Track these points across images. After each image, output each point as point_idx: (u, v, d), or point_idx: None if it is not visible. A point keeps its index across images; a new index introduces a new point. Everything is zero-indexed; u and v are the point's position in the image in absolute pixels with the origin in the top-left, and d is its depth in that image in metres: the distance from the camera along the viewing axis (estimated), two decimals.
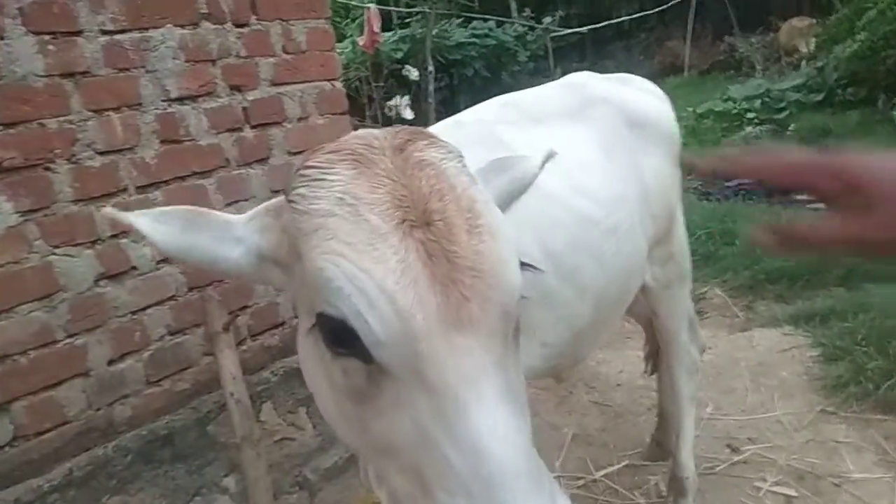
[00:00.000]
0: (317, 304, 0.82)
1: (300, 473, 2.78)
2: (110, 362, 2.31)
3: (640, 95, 2.18)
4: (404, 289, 0.77)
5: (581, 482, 2.73)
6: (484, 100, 2.03)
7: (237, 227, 0.97)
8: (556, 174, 1.77)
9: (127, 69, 2.31)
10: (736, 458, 2.74)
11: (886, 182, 0.71)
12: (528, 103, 1.99)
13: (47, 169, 2.13)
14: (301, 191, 0.86)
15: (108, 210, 1.00)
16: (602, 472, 2.76)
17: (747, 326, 3.83)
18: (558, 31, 14.67)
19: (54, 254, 2.15)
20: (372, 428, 0.83)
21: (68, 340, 2.20)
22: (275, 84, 2.72)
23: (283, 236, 0.91)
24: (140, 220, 0.95)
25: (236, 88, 2.61)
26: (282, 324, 2.83)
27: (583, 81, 2.16)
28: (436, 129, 1.82)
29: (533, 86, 2.23)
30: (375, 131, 0.92)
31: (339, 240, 0.79)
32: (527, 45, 13.76)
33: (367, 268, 0.77)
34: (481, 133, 1.78)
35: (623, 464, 2.81)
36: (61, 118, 2.16)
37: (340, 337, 0.80)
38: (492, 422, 0.74)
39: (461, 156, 0.94)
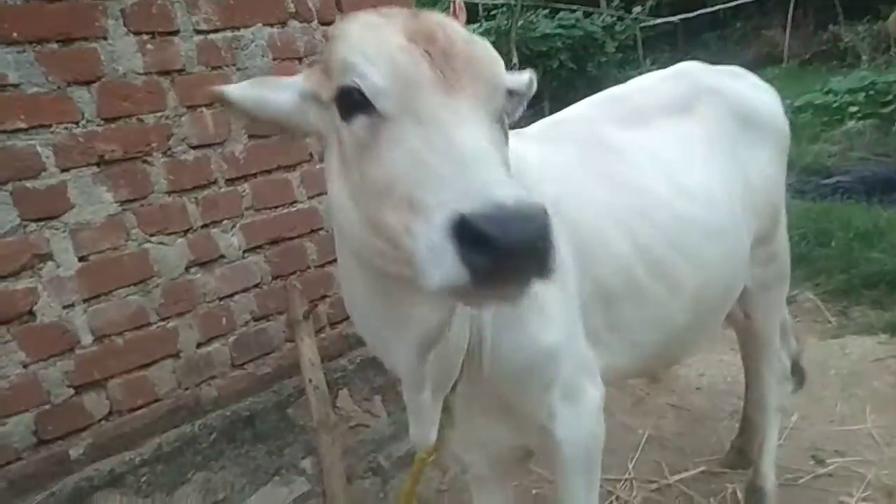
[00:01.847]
0: (337, 85, 1.05)
1: (374, 459, 2.85)
2: (199, 345, 2.44)
3: (752, 91, 2.10)
4: (403, 55, 0.99)
5: (654, 486, 2.68)
6: (569, 91, 2.02)
7: (290, 81, 1.19)
8: (659, 174, 1.75)
9: (219, 67, 2.42)
10: (821, 471, 2.61)
11: None
12: (632, 98, 1.94)
13: (145, 162, 2.27)
14: (337, 28, 1.09)
15: (212, 88, 1.20)
16: (677, 477, 2.70)
17: (840, 333, 3.64)
18: (648, 20, 14.29)
19: (149, 241, 2.29)
20: (370, 175, 1.00)
21: (161, 323, 2.33)
22: None
23: (322, 74, 1.11)
24: (228, 87, 1.18)
25: None
26: None
27: (692, 71, 2.10)
28: (535, 128, 1.82)
29: (620, 77, 2.20)
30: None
31: (358, 41, 1.03)
32: (615, 35, 13.46)
33: (372, 44, 1.01)
34: (582, 132, 1.77)
35: (699, 469, 2.74)
36: (158, 114, 2.29)
37: (352, 104, 1.02)
38: (469, 135, 0.92)
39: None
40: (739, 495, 2.53)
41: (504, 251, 0.77)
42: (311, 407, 2.46)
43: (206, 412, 2.46)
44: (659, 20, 14.24)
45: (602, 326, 1.62)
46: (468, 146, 0.89)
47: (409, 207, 0.91)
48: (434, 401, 1.37)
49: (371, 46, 1.01)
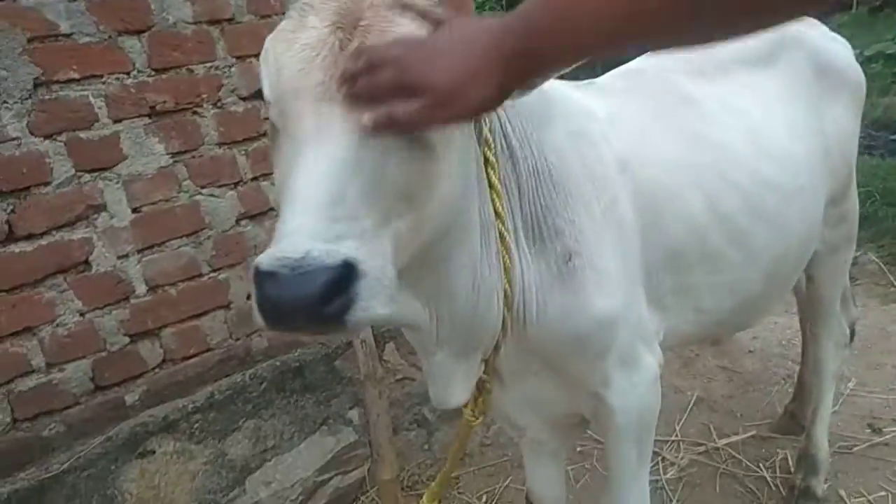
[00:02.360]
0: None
1: (419, 412, 2.88)
2: (249, 297, 2.46)
3: (827, 41, 1.97)
4: (295, 63, 0.93)
5: (701, 448, 2.65)
6: None
7: None
8: (741, 132, 1.66)
9: (268, 16, 2.38)
10: (877, 440, 2.54)
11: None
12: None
13: (195, 113, 2.26)
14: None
15: None
16: (725, 441, 2.66)
17: None
18: None
19: (200, 193, 2.30)
20: (275, 176, 1.01)
21: (212, 274, 2.36)
22: None
23: None
24: None
25: None
26: None
27: None
28: (605, 79, 1.72)
29: None
30: None
31: (272, 38, 0.99)
32: None
33: (275, 47, 0.97)
34: (655, 84, 1.68)
35: (749, 434, 2.69)
36: (208, 64, 2.27)
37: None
38: (312, 164, 0.86)
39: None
40: (791, 462, 2.48)
41: (272, 307, 0.81)
42: (359, 360, 2.48)
43: (256, 362, 2.50)
44: None
45: (668, 290, 1.56)
46: (300, 181, 0.85)
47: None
48: (458, 362, 1.33)
49: (274, 48, 0.97)
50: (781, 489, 2.39)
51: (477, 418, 1.47)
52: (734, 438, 2.66)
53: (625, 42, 0.81)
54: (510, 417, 1.75)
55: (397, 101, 0.87)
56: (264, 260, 0.80)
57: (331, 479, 2.57)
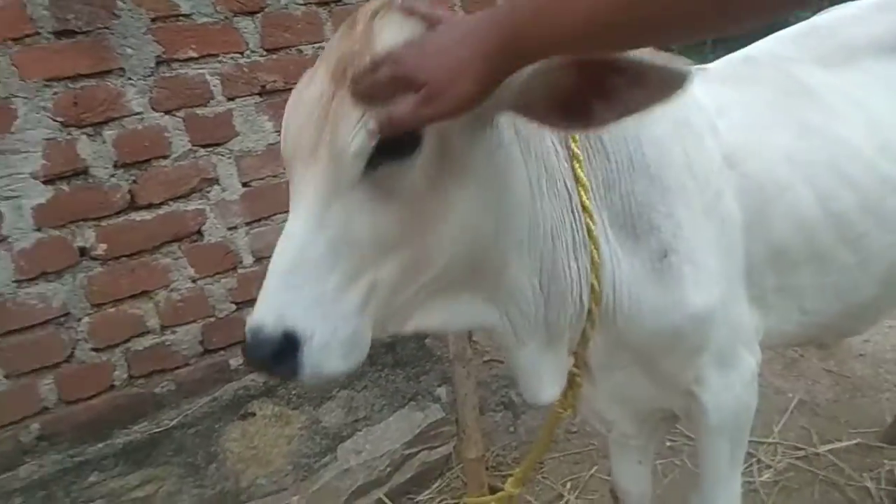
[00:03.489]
0: None
1: (506, 395, 2.90)
2: None
3: None
4: (295, 123, 0.99)
5: (801, 453, 2.53)
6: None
7: None
8: (860, 126, 1.55)
9: None
10: None
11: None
12: (839, 32, 1.69)
13: None
14: None
15: None
16: (827, 447, 2.53)
17: None
18: None
19: None
20: None
21: None
22: None
23: None
24: None
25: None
26: None
27: None
28: (720, 64, 1.65)
29: (801, 12, 1.93)
30: None
31: (295, 89, 1.04)
32: None
33: (288, 105, 1.03)
34: (773, 72, 1.59)
35: (854, 441, 2.55)
36: (315, 45, 2.33)
37: None
38: (287, 232, 0.95)
39: (423, 17, 1.00)
40: None
41: (246, 359, 0.95)
42: (449, 340, 2.52)
43: None
44: None
45: (772, 288, 1.49)
46: (278, 249, 0.95)
47: None
48: (544, 355, 1.30)
49: (287, 105, 1.04)
50: (885, 502, 2.26)
51: (566, 410, 1.46)
52: (837, 445, 2.53)
53: (612, 37, 0.79)
54: (598, 412, 1.73)
55: (396, 99, 0.90)
56: (247, 320, 0.94)
57: (418, 452, 2.63)
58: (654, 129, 1.33)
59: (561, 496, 2.52)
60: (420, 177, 0.98)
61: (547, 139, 1.22)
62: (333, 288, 0.93)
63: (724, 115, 1.45)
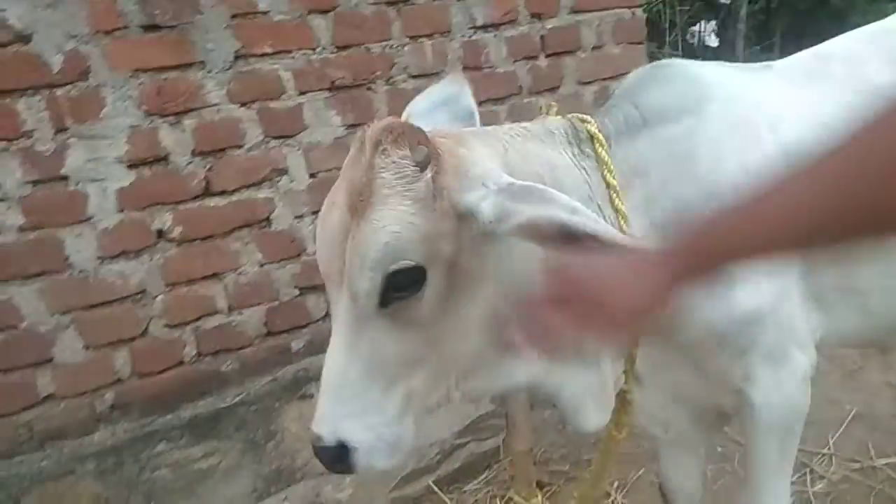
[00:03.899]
0: None
1: None
2: None
3: None
4: (325, 251, 1.13)
5: (856, 465, 2.49)
6: (805, 27, 1.77)
7: None
8: None
9: None
10: None
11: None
12: None
13: (369, 89, 2.43)
14: None
15: None
16: (886, 461, 2.48)
17: None
18: None
19: None
20: None
21: None
22: (574, 11, 2.73)
23: None
24: None
25: (537, 16, 2.67)
26: None
27: None
28: (791, 61, 1.64)
29: (871, 12, 1.90)
30: (384, 122, 1.14)
31: (322, 210, 1.17)
32: None
33: (317, 227, 1.17)
34: (843, 71, 1.57)
35: None
36: (384, 43, 2.42)
37: None
38: (330, 352, 1.12)
39: (416, 163, 1.08)
40: None
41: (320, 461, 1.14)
42: None
43: None
44: None
45: (832, 287, 1.48)
46: (325, 366, 1.12)
47: None
48: (586, 380, 1.33)
49: (317, 228, 1.19)
50: None
51: (620, 432, 1.49)
52: (895, 459, 2.47)
53: (828, 243, 0.73)
54: (653, 415, 1.73)
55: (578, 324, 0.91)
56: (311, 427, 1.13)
57: (467, 443, 2.69)
58: (709, 134, 1.36)
59: (608, 494, 2.54)
60: (430, 304, 1.11)
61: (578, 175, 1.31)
62: (373, 402, 1.12)
63: (788, 115, 1.45)
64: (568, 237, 1.01)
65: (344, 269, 1.08)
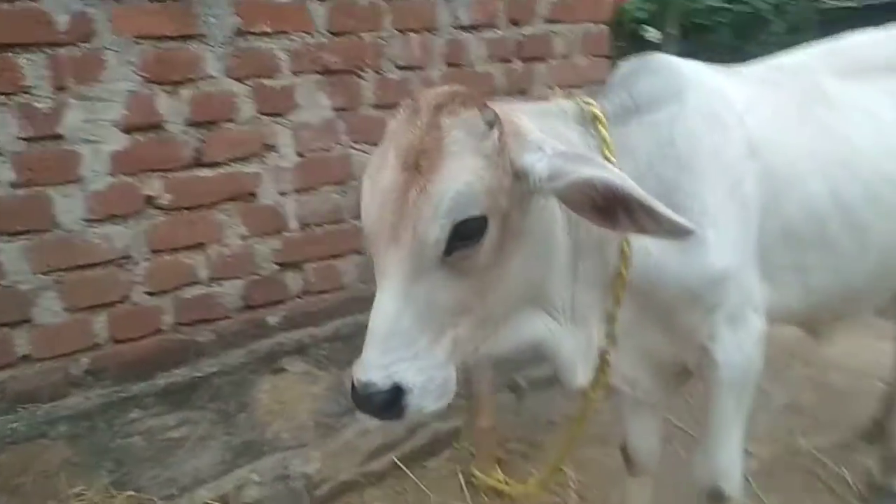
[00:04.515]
0: None
1: (512, 378, 3.06)
2: None
3: None
4: (375, 208, 1.18)
5: (785, 448, 2.74)
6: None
7: None
8: (870, 130, 1.79)
9: None
10: None
11: None
12: (855, 52, 1.95)
13: (358, 76, 2.54)
14: None
15: None
16: (810, 443, 2.75)
17: None
18: (826, 2, 13.33)
19: (353, 147, 2.57)
20: None
21: (353, 221, 2.62)
22: (548, 21, 2.93)
23: None
24: None
25: (514, 22, 2.85)
26: None
27: None
28: (755, 67, 1.89)
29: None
30: (446, 88, 1.25)
31: (368, 170, 1.23)
32: (786, 15, 12.68)
33: (364, 186, 1.23)
34: (800, 79, 1.83)
35: (833, 438, 2.77)
36: (374, 33, 2.54)
37: None
38: (380, 304, 1.16)
39: (486, 123, 1.19)
40: (874, 467, 2.56)
41: (356, 406, 1.19)
42: None
43: None
44: (836, 3, 13.25)
45: (780, 265, 1.69)
46: (372, 318, 1.17)
47: None
48: (577, 340, 1.52)
49: (364, 186, 1.23)
50: (860, 489, 2.49)
51: (596, 392, 1.65)
52: (818, 439, 2.75)
53: None
54: (623, 373, 1.90)
55: None
56: (353, 372, 1.18)
57: (430, 422, 2.79)
58: (687, 122, 1.56)
59: (563, 472, 2.68)
60: (486, 254, 1.21)
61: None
62: (424, 347, 1.18)
63: (753, 110, 1.68)
64: (607, 203, 1.17)
65: (400, 224, 1.14)
